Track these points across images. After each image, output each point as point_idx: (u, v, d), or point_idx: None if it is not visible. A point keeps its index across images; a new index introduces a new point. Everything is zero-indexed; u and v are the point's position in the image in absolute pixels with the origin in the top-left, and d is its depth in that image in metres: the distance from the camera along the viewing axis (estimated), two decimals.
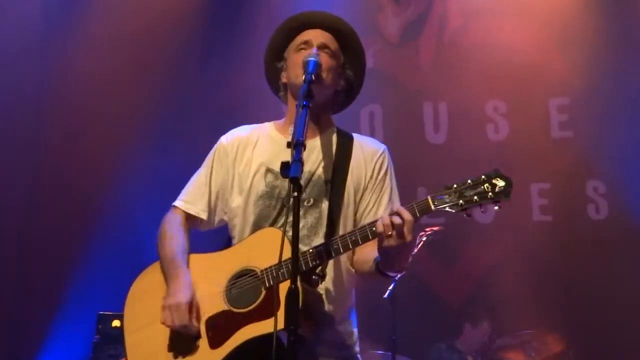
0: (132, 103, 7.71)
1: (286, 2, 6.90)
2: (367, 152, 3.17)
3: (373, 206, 3.10)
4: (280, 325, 2.48)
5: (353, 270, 3.08)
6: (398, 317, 5.87)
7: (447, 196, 2.73)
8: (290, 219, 2.56)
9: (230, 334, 2.81)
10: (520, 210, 7.46)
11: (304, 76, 2.92)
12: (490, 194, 2.70)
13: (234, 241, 3.11)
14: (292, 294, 2.44)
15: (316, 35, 3.16)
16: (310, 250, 2.81)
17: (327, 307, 2.93)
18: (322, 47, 3.12)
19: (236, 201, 3.13)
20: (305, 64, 2.97)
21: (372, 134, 7.73)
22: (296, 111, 2.79)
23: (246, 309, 2.81)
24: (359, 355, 3.08)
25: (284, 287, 2.50)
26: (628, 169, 7.39)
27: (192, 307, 2.89)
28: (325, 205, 3.02)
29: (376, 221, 2.73)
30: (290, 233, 2.55)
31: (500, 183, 2.71)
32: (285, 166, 2.53)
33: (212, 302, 2.90)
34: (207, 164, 3.26)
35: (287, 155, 2.57)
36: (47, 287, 7.31)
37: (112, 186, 7.45)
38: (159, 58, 7.79)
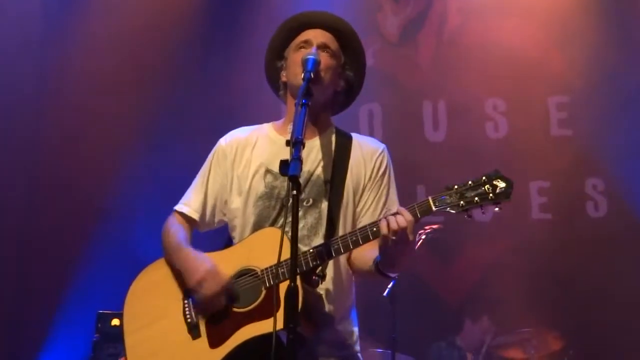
0: (131, 103, 7.70)
1: (286, 2, 6.89)
2: (367, 152, 3.18)
3: (372, 205, 3.11)
4: (280, 325, 2.48)
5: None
6: (398, 315, 5.87)
7: (448, 197, 2.74)
8: (290, 218, 2.56)
9: (231, 334, 2.82)
10: (519, 209, 7.46)
11: (302, 74, 2.93)
12: (491, 195, 2.71)
13: (235, 242, 3.12)
14: (291, 292, 2.45)
15: (316, 35, 3.17)
16: (311, 251, 2.82)
17: (327, 307, 2.94)
18: (322, 46, 3.13)
19: (235, 202, 3.14)
20: (304, 62, 2.97)
21: (371, 133, 7.74)
22: (295, 109, 2.80)
23: (246, 309, 2.82)
24: (359, 355, 3.09)
25: (284, 287, 2.51)
26: (627, 167, 7.39)
27: (219, 272, 2.89)
28: (324, 205, 3.02)
29: (377, 222, 2.75)
30: (290, 232, 2.56)
31: (501, 184, 2.71)
32: (284, 164, 2.54)
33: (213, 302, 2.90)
34: (206, 166, 3.28)
35: (286, 155, 2.58)
36: (46, 286, 7.30)
37: (112, 186, 7.45)
38: (159, 58, 7.77)
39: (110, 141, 7.57)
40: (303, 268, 2.79)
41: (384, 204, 3.11)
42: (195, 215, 3.21)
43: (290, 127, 2.92)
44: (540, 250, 7.28)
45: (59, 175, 7.59)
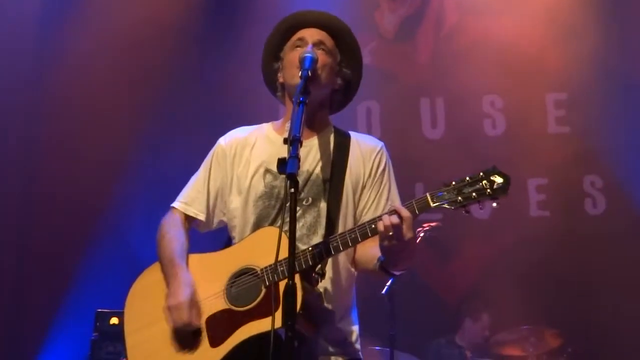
0: (130, 103, 7.71)
1: (283, 2, 6.87)
2: (365, 150, 3.17)
3: (372, 203, 3.10)
4: (280, 323, 2.48)
5: (353, 269, 3.09)
6: (396, 313, 5.87)
7: (445, 193, 2.74)
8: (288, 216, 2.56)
9: (231, 333, 2.81)
10: (517, 206, 7.47)
11: (300, 73, 2.92)
12: (488, 190, 2.70)
13: (234, 242, 3.11)
14: (289, 290, 2.44)
15: (311, 33, 3.16)
16: (310, 249, 2.81)
17: (327, 305, 2.94)
18: (317, 44, 3.12)
19: (235, 202, 3.13)
20: (302, 60, 2.96)
21: (369, 130, 7.75)
22: (292, 107, 2.79)
23: (246, 308, 2.81)
24: (359, 353, 3.08)
25: (284, 285, 2.50)
26: (625, 164, 7.41)
27: (192, 305, 2.89)
28: (323, 204, 3.02)
29: (375, 219, 2.75)
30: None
31: (499, 180, 2.71)
32: (281, 162, 2.53)
33: (213, 301, 2.90)
34: (206, 165, 3.26)
35: (284, 154, 2.57)
36: (45, 285, 7.31)
37: (110, 185, 7.46)
38: (157, 58, 7.78)
39: (109, 141, 7.58)
40: (302, 266, 2.78)
41: (386, 201, 3.11)
42: (202, 217, 3.20)
43: (288, 126, 2.92)
44: (538, 248, 7.30)
45: (57, 175, 7.60)
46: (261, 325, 2.74)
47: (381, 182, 3.13)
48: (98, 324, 6.25)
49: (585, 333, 7.01)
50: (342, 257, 3.02)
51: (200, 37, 8.16)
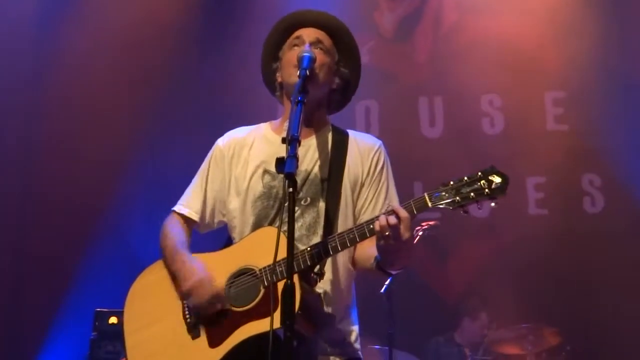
0: (129, 103, 7.71)
1: (281, 2, 6.86)
2: (363, 149, 3.18)
3: (371, 202, 3.10)
4: (279, 323, 2.47)
5: (352, 268, 3.09)
6: (395, 312, 5.88)
7: (444, 193, 2.73)
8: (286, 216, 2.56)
9: (230, 333, 2.82)
10: (516, 204, 7.47)
11: (298, 72, 2.93)
12: (486, 190, 2.70)
13: (234, 242, 3.12)
14: (288, 290, 2.44)
15: (309, 33, 3.17)
16: (308, 249, 2.82)
17: (326, 305, 2.94)
18: (315, 43, 3.12)
19: (234, 203, 3.14)
20: (300, 60, 2.97)
21: (368, 129, 7.75)
22: (291, 107, 2.79)
23: (245, 308, 2.82)
24: (359, 352, 3.09)
25: (282, 285, 2.50)
26: (623, 162, 7.41)
27: (212, 279, 2.89)
28: (322, 204, 3.02)
29: (373, 219, 2.75)
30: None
31: (497, 179, 2.71)
32: (280, 162, 2.53)
33: None
34: (204, 167, 3.27)
35: (283, 154, 2.57)
36: (45, 285, 7.31)
37: (110, 185, 7.46)
38: (156, 58, 7.77)
39: (108, 141, 7.57)
40: (301, 266, 2.78)
41: (385, 200, 3.11)
42: (196, 217, 3.21)
43: (286, 125, 2.91)
44: (537, 246, 7.30)
45: (57, 175, 7.61)
46: (260, 326, 2.74)
47: (379, 181, 3.14)
48: (97, 323, 6.25)
49: (584, 331, 7.02)
50: (341, 257, 3.02)
51: (200, 36, 8.15)
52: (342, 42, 3.23)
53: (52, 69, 7.87)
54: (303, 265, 2.79)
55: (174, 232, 3.15)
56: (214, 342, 2.86)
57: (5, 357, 7.24)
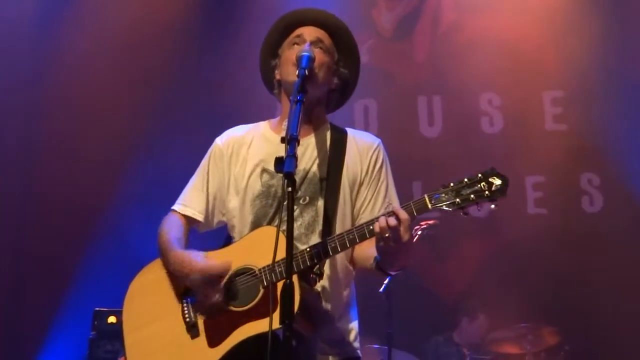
0: (129, 103, 7.71)
1: (280, 0, 6.86)
2: (362, 147, 3.17)
3: (370, 201, 3.10)
4: (278, 323, 2.47)
5: (351, 267, 3.09)
6: (394, 311, 5.88)
7: (444, 195, 2.74)
8: (285, 215, 2.56)
9: (229, 333, 2.82)
10: (515, 204, 7.46)
11: (297, 72, 2.92)
12: (487, 192, 2.70)
13: (234, 241, 3.11)
14: (287, 290, 2.44)
15: (310, 32, 3.16)
16: (308, 249, 2.82)
17: (325, 305, 2.94)
18: (316, 42, 3.12)
19: (233, 202, 3.13)
20: (299, 59, 2.97)
21: (366, 129, 7.74)
22: (289, 107, 2.78)
23: (244, 308, 2.82)
24: (358, 352, 3.09)
25: (282, 285, 2.50)
26: (622, 162, 7.41)
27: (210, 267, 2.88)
28: (320, 203, 3.02)
29: (373, 220, 2.75)
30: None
31: (497, 181, 2.71)
32: (279, 161, 2.53)
33: None
34: (203, 165, 3.26)
35: (281, 153, 2.57)
36: (45, 285, 7.31)
37: (110, 185, 7.46)
38: (155, 57, 7.77)
39: (107, 141, 7.58)
40: (300, 267, 2.78)
41: (384, 199, 3.11)
42: (200, 217, 3.20)
43: (285, 125, 2.91)
44: (535, 245, 7.31)
45: (56, 175, 7.61)
46: (259, 326, 2.74)
47: (378, 180, 3.13)
48: (96, 322, 6.26)
49: (583, 331, 7.02)
50: (340, 256, 3.01)
51: (200, 36, 8.15)
52: (342, 41, 3.23)
53: (52, 69, 7.87)
54: (302, 266, 2.79)
55: (172, 232, 3.13)
56: (213, 342, 2.86)
57: (5, 356, 7.24)
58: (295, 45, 3.13)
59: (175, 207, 3.25)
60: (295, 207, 2.85)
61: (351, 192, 3.09)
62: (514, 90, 7.91)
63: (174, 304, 3.01)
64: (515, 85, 7.85)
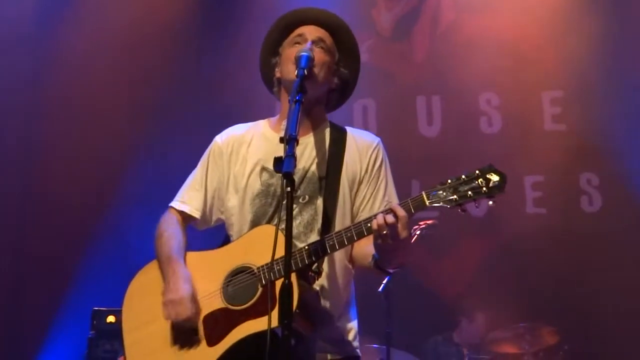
0: (128, 103, 7.71)
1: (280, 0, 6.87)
2: (362, 146, 3.17)
3: (369, 199, 3.10)
4: (277, 322, 2.48)
5: (350, 266, 3.09)
6: (393, 310, 5.88)
7: (441, 192, 2.73)
8: (285, 215, 2.56)
9: (228, 331, 2.82)
10: (514, 203, 7.47)
11: (296, 71, 2.93)
12: (484, 189, 2.70)
13: (232, 240, 3.11)
14: (285, 288, 2.44)
15: (311, 31, 3.16)
16: (306, 247, 2.82)
17: (324, 303, 2.95)
18: (317, 41, 3.12)
19: (232, 200, 3.13)
20: (298, 59, 2.97)
21: (365, 128, 7.72)
22: (289, 106, 2.78)
23: (243, 306, 2.82)
24: (357, 350, 3.10)
25: (280, 284, 2.51)
26: (621, 161, 7.41)
27: (193, 300, 2.90)
28: (319, 201, 3.02)
29: (371, 218, 2.75)
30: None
31: (495, 178, 2.71)
32: (278, 161, 2.53)
33: (209, 300, 2.91)
34: (203, 163, 3.26)
35: (280, 152, 2.57)
36: (45, 285, 7.31)
37: (110, 185, 7.46)
38: (154, 57, 7.77)
39: (107, 141, 7.58)
40: (298, 265, 2.79)
41: (383, 197, 3.11)
42: (197, 214, 3.20)
43: (284, 124, 2.91)
44: (534, 245, 7.30)
45: (56, 175, 7.60)
46: (258, 325, 2.74)
47: (378, 178, 3.13)
48: (95, 322, 6.25)
49: (582, 330, 7.00)
50: (339, 255, 3.02)
51: (200, 36, 8.16)
52: (343, 41, 3.23)
53: (51, 69, 7.87)
54: (301, 264, 2.80)
55: (169, 232, 3.13)
56: (212, 341, 2.86)
57: (5, 356, 7.24)
58: (297, 44, 3.13)
59: (173, 203, 3.25)
60: (294, 205, 2.85)
61: (350, 190, 3.09)
62: (513, 90, 7.90)
63: None
64: (514, 85, 7.85)
